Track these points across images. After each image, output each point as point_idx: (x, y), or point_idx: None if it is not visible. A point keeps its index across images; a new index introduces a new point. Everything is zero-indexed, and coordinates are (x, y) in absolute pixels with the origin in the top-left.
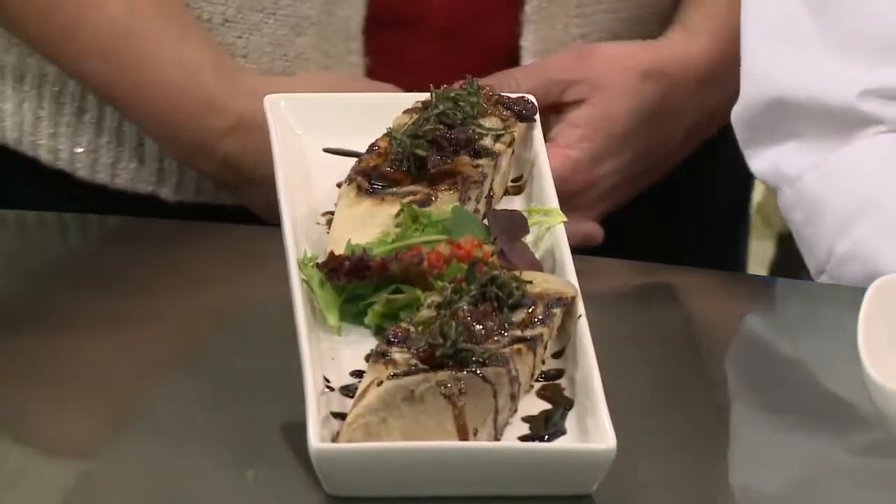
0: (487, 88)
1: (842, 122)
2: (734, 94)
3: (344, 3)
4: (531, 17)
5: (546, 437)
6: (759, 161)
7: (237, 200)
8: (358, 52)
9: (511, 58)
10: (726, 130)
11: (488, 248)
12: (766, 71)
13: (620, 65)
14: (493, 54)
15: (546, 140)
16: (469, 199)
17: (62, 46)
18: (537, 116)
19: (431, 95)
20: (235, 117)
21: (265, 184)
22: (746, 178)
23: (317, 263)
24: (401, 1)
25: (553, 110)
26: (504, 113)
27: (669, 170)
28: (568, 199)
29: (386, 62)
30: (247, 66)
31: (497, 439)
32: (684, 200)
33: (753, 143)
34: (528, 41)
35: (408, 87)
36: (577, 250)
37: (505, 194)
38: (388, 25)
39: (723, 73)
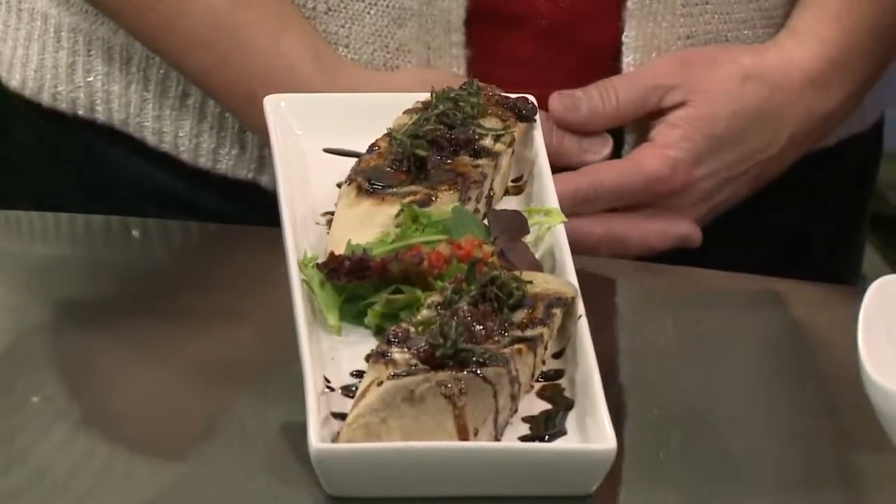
0: (487, 88)
1: None
2: (845, 101)
3: None
4: (633, 14)
5: (546, 437)
6: None
7: None
8: (460, 44)
9: (613, 56)
10: (841, 151)
11: (488, 249)
12: None
13: (720, 68)
14: (594, 52)
15: (645, 141)
16: (469, 199)
17: (163, 38)
18: (537, 116)
19: (432, 95)
20: None
21: None
22: (862, 198)
23: (317, 264)
24: None
25: (653, 117)
26: (504, 113)
27: (774, 177)
28: (666, 200)
29: (487, 56)
30: (348, 56)
31: (497, 439)
32: (788, 215)
33: None
34: (630, 38)
35: (509, 83)
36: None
37: (505, 194)
38: (490, 19)
39: (832, 78)
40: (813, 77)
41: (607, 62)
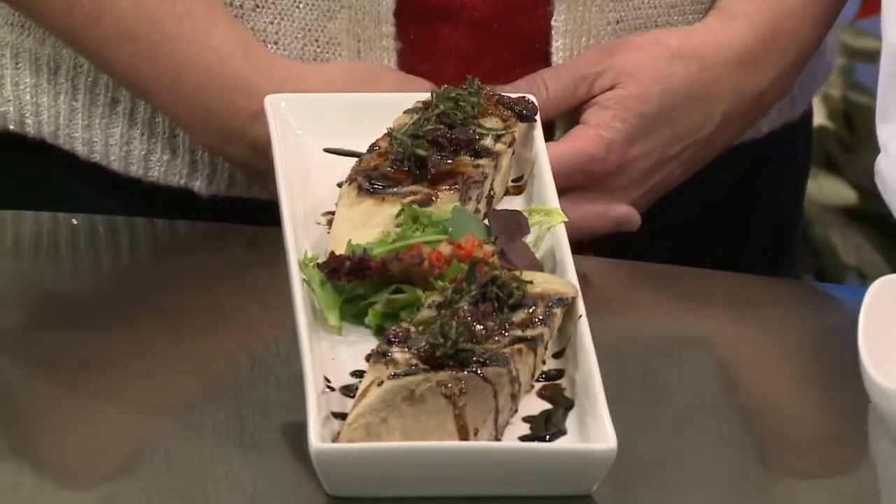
0: (488, 88)
1: None
2: (776, 79)
3: None
4: None
5: (546, 437)
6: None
7: (268, 192)
8: (390, 35)
9: (543, 42)
10: (778, 138)
11: (489, 249)
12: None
13: (648, 50)
14: (525, 41)
15: (579, 124)
16: (469, 199)
17: (89, 33)
18: (538, 116)
19: (432, 95)
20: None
21: None
22: (798, 190)
23: (317, 263)
24: None
25: (584, 105)
26: (504, 113)
27: (707, 160)
28: (602, 181)
29: (418, 48)
30: (277, 52)
31: (497, 439)
32: (727, 206)
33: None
34: (559, 22)
35: (439, 74)
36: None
37: (505, 194)
38: (420, 11)
39: (761, 56)
40: (741, 55)
41: (537, 49)
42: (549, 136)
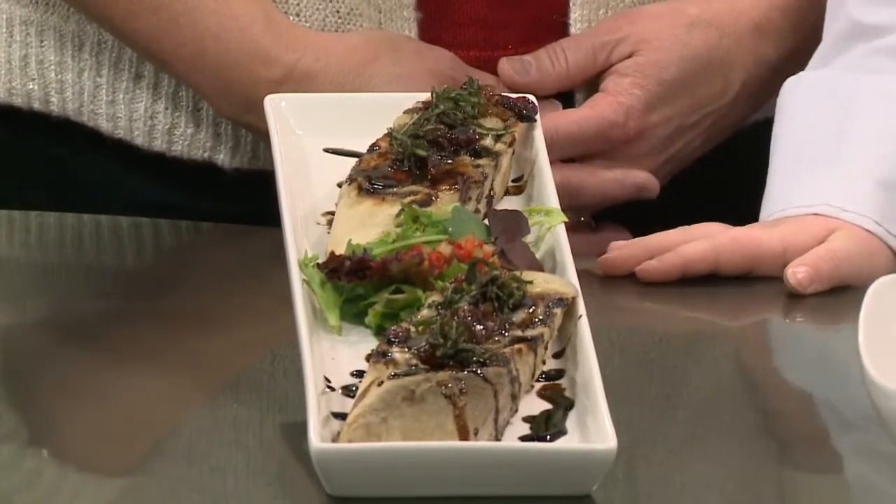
0: (488, 88)
1: None
2: (795, 49)
3: None
4: None
5: (547, 437)
6: None
7: None
8: (410, 6)
9: (561, 13)
10: (757, 134)
11: (489, 249)
12: None
13: (666, 17)
14: (543, 13)
15: (598, 91)
16: (469, 199)
17: (112, 6)
18: (538, 116)
19: (432, 95)
20: (286, 68)
21: None
22: None
23: (317, 263)
24: None
25: (604, 74)
26: (504, 113)
27: (727, 131)
28: (621, 148)
29: (438, 18)
30: (299, 23)
31: (497, 439)
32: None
33: None
34: None
35: (459, 45)
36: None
37: (505, 194)
38: None
39: (780, 25)
40: (760, 23)
41: (555, 20)
42: (569, 104)
